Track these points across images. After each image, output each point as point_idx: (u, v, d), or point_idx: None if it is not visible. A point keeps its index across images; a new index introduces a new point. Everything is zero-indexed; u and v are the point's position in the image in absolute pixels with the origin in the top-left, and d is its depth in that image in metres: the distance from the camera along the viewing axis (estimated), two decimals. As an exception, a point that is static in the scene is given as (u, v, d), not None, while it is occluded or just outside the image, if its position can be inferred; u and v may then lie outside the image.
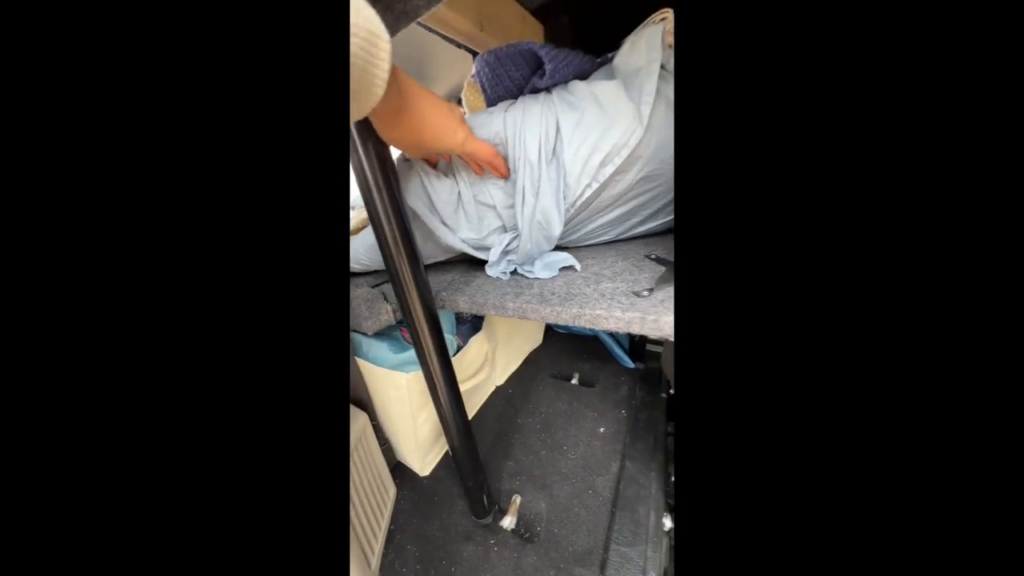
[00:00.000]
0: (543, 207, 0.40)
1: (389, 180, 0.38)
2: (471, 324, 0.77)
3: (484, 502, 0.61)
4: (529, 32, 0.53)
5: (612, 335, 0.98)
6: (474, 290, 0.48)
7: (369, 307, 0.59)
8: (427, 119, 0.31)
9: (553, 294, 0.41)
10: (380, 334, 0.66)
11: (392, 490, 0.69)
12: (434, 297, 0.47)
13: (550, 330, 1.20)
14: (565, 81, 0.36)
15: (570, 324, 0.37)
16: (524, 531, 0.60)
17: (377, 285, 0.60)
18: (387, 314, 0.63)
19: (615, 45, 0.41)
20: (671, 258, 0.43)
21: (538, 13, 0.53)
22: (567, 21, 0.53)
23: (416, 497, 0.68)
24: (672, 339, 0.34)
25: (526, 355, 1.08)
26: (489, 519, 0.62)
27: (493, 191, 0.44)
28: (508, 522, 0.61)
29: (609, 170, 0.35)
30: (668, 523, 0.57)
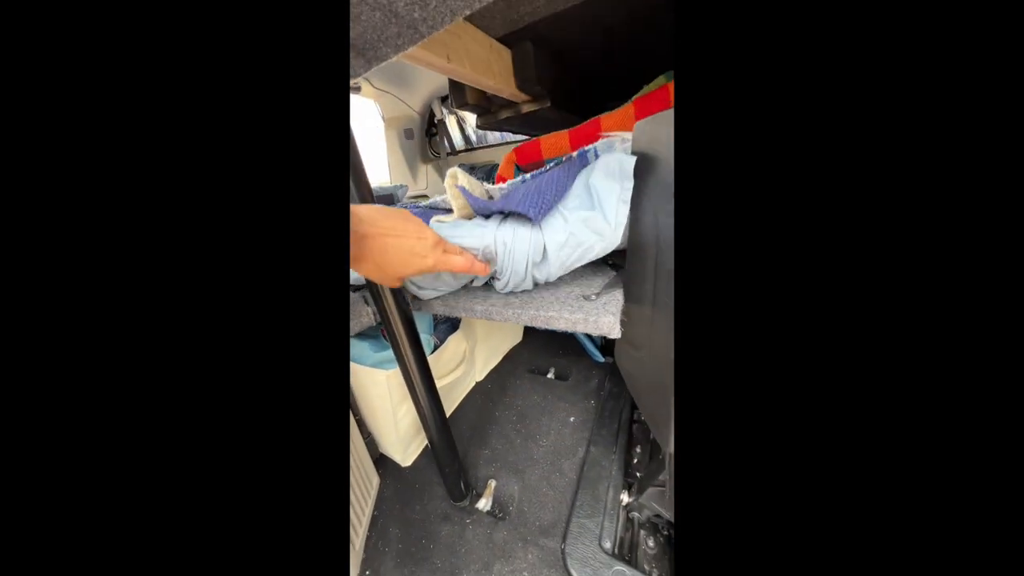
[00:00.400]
0: (524, 287, 0.45)
1: (365, 197, 0.42)
2: (450, 324, 0.82)
3: (461, 487, 0.66)
4: (496, 58, 0.57)
5: (589, 336, 1.05)
6: (446, 295, 0.53)
7: (351, 310, 0.63)
8: (389, 255, 0.31)
9: (516, 298, 0.47)
10: (362, 334, 0.71)
11: (376, 480, 0.74)
12: (409, 301, 0.52)
13: (529, 327, 1.26)
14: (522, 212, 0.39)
15: (530, 324, 0.43)
16: (498, 511, 0.66)
17: (358, 289, 0.64)
18: (368, 316, 0.67)
19: (578, 72, 0.46)
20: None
21: (504, 40, 0.57)
22: (530, 48, 0.58)
23: (398, 485, 0.73)
24: (612, 336, 0.39)
25: (506, 352, 1.14)
26: (466, 502, 0.67)
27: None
28: (483, 504, 0.67)
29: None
30: (625, 498, 0.64)
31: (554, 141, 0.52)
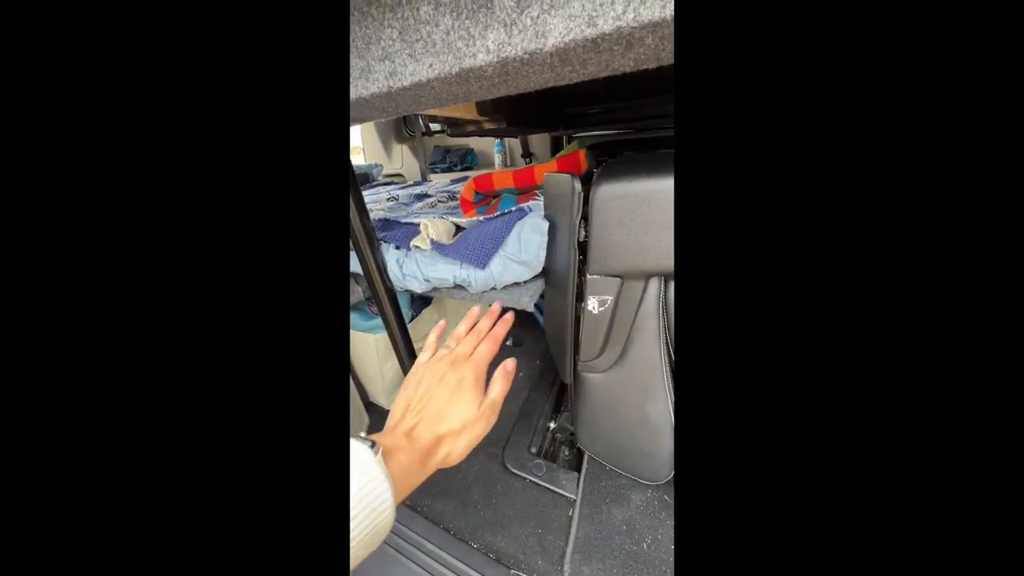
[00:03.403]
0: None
1: (360, 198, 0.59)
2: (423, 300, 1.02)
3: (433, 420, 0.90)
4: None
5: (538, 307, 1.29)
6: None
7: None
8: (465, 444, 0.30)
9: (470, 284, 0.67)
10: (354, 308, 0.89)
11: (366, 419, 0.96)
12: (392, 281, 0.71)
13: (494, 303, 1.48)
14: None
15: (479, 302, 0.64)
16: (460, 435, 0.91)
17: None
18: (358, 293, 0.85)
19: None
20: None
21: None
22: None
23: (383, 423, 0.96)
24: (527, 308, 0.63)
25: (472, 323, 1.36)
26: (437, 430, 0.92)
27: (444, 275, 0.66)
28: (449, 431, 0.91)
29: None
30: (552, 424, 0.91)
31: (502, 177, 0.73)
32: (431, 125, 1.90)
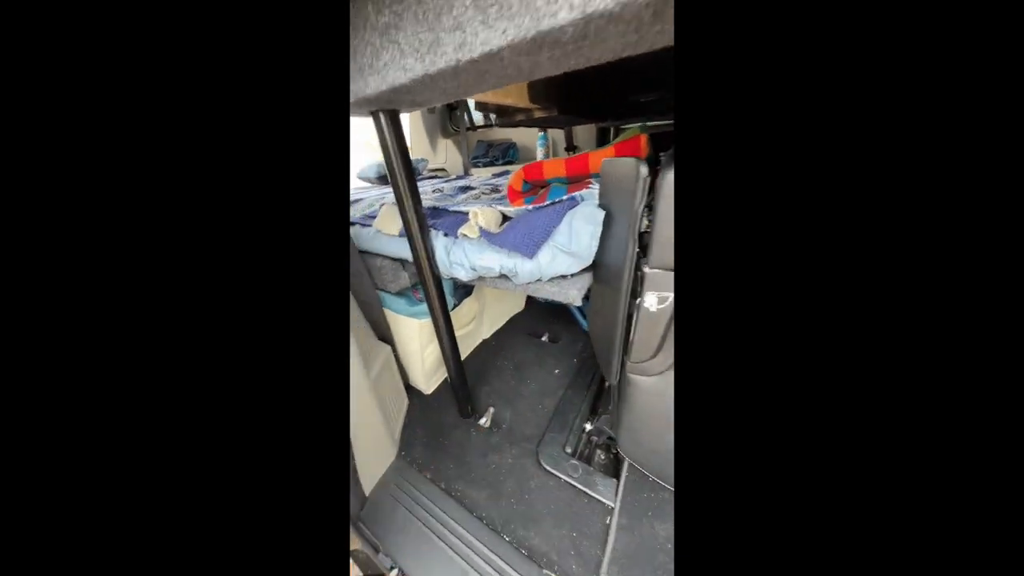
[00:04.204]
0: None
1: (414, 187, 0.60)
2: (465, 290, 1.03)
3: (468, 409, 0.91)
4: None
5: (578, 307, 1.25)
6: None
7: (393, 273, 0.84)
8: None
9: (516, 274, 0.66)
10: (399, 293, 0.93)
11: (406, 401, 0.99)
12: (439, 268, 0.72)
13: (531, 298, 1.46)
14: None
15: (531, 294, 0.62)
16: (494, 427, 0.91)
17: (396, 260, 0.85)
18: (405, 279, 0.88)
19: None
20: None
21: None
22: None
23: (422, 405, 0.99)
24: (575, 303, 0.60)
25: (509, 317, 1.36)
26: (472, 419, 0.93)
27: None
28: (484, 421, 0.92)
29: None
30: (588, 426, 0.88)
31: (554, 167, 0.70)
32: (477, 117, 1.93)
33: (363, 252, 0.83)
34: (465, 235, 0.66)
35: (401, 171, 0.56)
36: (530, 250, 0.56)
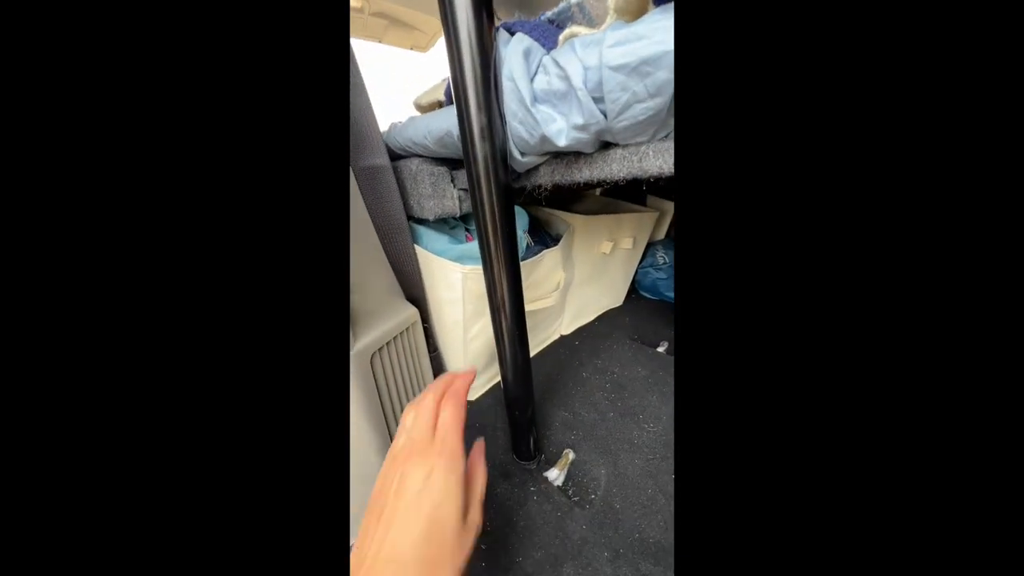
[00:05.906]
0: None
1: (488, 57, 0.26)
2: (543, 245, 0.64)
3: (530, 444, 0.50)
4: None
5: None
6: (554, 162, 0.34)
7: (434, 184, 0.51)
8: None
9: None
10: (440, 229, 0.58)
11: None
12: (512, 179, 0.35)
13: (632, 293, 1.00)
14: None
15: (606, 178, 0.21)
16: (573, 492, 0.47)
17: (445, 162, 0.51)
18: (451, 199, 0.54)
19: None
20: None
21: None
22: None
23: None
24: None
25: (601, 312, 0.92)
26: (533, 464, 0.51)
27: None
28: (555, 475, 0.49)
29: None
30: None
31: None
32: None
33: (395, 161, 0.52)
34: (575, 34, 0.28)
35: None
36: None
